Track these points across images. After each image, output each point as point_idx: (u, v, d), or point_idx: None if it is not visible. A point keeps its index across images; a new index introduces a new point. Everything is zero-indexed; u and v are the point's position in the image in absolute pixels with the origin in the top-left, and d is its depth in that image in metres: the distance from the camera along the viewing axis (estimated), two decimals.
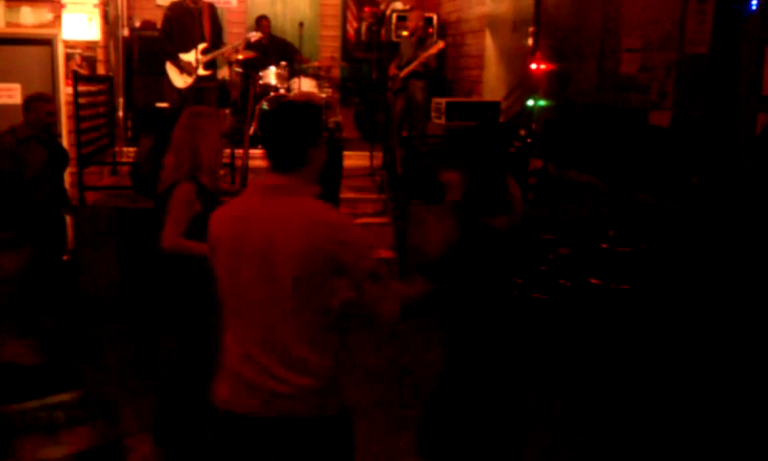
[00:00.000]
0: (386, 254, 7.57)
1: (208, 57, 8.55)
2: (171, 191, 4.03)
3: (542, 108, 7.58)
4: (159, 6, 9.75)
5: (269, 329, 2.57)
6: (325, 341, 2.62)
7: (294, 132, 2.62)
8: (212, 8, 8.88)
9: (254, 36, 9.67)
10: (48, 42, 8.43)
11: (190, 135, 4.07)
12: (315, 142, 2.63)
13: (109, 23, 8.83)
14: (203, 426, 4.22)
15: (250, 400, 2.58)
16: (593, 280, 5.53)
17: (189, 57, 8.50)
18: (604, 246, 5.67)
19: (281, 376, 2.55)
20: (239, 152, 7.93)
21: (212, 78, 8.92)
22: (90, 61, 8.51)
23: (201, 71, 8.57)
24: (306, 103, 3.08)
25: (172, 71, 8.61)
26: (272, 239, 2.53)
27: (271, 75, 9.49)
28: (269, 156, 2.66)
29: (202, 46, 8.54)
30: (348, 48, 11.57)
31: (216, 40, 8.77)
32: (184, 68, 8.47)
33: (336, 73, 10.94)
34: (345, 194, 7.69)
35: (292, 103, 3.06)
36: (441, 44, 9.37)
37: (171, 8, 8.88)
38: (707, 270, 5.01)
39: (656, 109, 5.81)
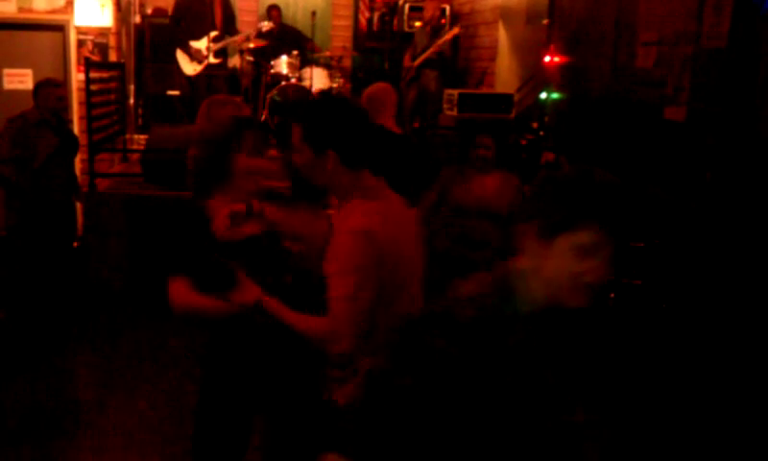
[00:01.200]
0: None
1: (219, 45, 8.53)
2: None
3: (555, 100, 7.52)
4: None
5: None
6: None
7: None
8: None
9: (266, 26, 9.65)
10: (60, 28, 8.42)
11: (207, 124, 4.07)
12: None
13: (121, 10, 8.82)
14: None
15: None
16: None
17: (200, 44, 8.47)
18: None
19: None
20: None
21: (222, 66, 8.90)
22: (102, 48, 8.49)
23: (211, 59, 8.54)
24: None
25: (182, 58, 8.59)
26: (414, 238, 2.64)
27: (282, 64, 9.45)
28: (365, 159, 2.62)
29: (213, 34, 8.51)
30: (360, 38, 11.52)
31: (229, 28, 8.75)
32: (194, 56, 8.44)
33: (347, 63, 10.89)
34: None
35: None
36: (455, 30, 9.33)
37: None
38: (721, 266, 4.97)
39: (671, 103, 5.75)
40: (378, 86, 5.77)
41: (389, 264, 2.49)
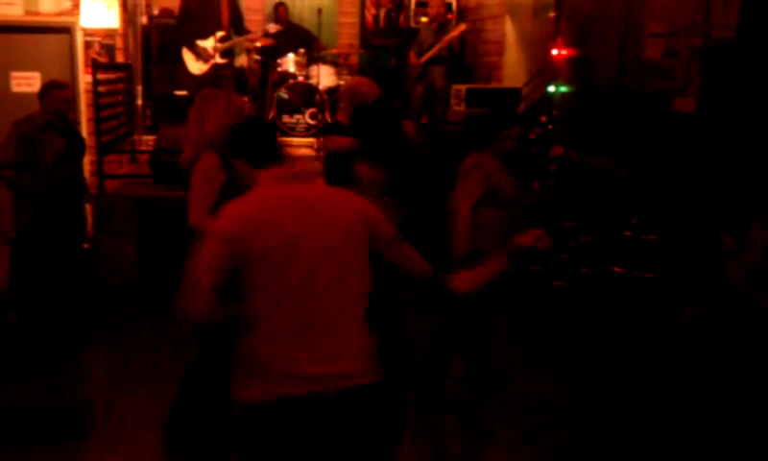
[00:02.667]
0: None
1: (226, 45, 8.52)
2: (191, 168, 4.12)
3: (564, 94, 7.50)
4: None
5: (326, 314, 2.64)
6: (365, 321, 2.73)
7: None
8: None
9: (272, 28, 9.63)
10: (67, 30, 8.43)
11: (197, 115, 4.21)
12: None
13: (128, 11, 8.81)
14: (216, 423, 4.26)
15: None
16: (616, 269, 5.48)
17: (206, 44, 8.47)
18: (627, 234, 5.61)
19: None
20: None
21: (229, 66, 8.90)
22: (109, 49, 8.50)
23: (217, 59, 8.54)
24: None
25: (188, 57, 8.59)
26: (328, 223, 2.67)
27: (289, 62, 9.45)
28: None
29: (219, 34, 8.50)
30: (367, 35, 11.49)
31: (237, 28, 8.74)
32: (200, 55, 8.44)
33: (354, 60, 10.87)
34: None
35: None
36: (462, 26, 9.29)
37: None
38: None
39: (680, 94, 5.72)
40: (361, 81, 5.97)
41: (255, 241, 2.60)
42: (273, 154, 2.88)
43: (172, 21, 9.51)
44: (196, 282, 2.63)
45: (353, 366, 2.61)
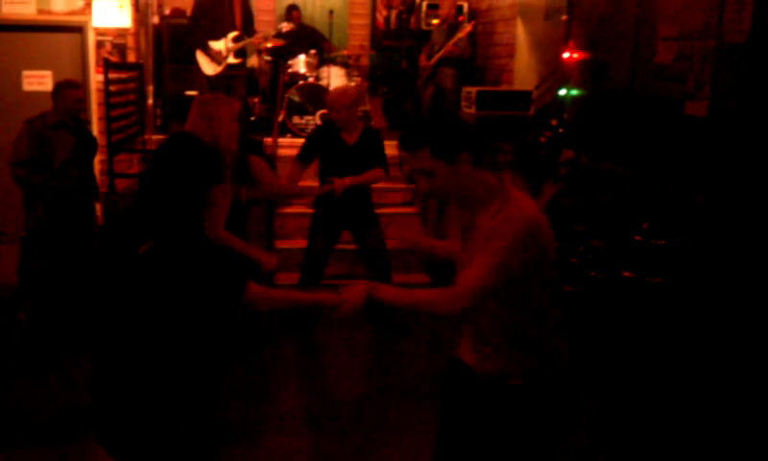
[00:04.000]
0: None
1: (239, 45, 8.54)
2: None
3: (575, 97, 7.47)
4: None
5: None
6: None
7: None
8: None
9: (285, 26, 9.62)
10: (79, 30, 8.45)
11: (205, 122, 4.14)
12: None
13: (140, 10, 8.83)
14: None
15: None
16: (626, 273, 5.45)
17: (219, 45, 8.49)
18: (637, 238, 5.58)
19: None
20: (268, 140, 7.92)
21: (241, 66, 8.91)
22: (121, 49, 8.52)
23: (230, 59, 8.55)
24: None
25: (202, 59, 8.61)
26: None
27: (300, 63, 9.46)
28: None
29: (232, 34, 8.52)
30: (378, 36, 11.50)
31: (247, 29, 8.76)
32: (214, 57, 8.45)
33: (365, 62, 10.88)
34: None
35: None
36: (468, 27, 9.29)
37: None
38: (744, 264, 4.91)
39: (692, 98, 5.69)
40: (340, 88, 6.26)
41: (547, 256, 2.72)
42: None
43: (183, 21, 9.53)
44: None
45: None
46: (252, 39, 8.84)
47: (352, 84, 9.60)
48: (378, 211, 6.40)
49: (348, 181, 5.66)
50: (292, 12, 10.18)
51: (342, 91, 6.01)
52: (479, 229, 2.68)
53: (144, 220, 2.62)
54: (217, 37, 8.49)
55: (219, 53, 8.45)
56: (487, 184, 2.69)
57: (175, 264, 2.54)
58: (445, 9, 9.47)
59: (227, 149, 4.10)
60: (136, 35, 8.76)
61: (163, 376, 2.62)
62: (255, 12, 9.82)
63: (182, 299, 2.57)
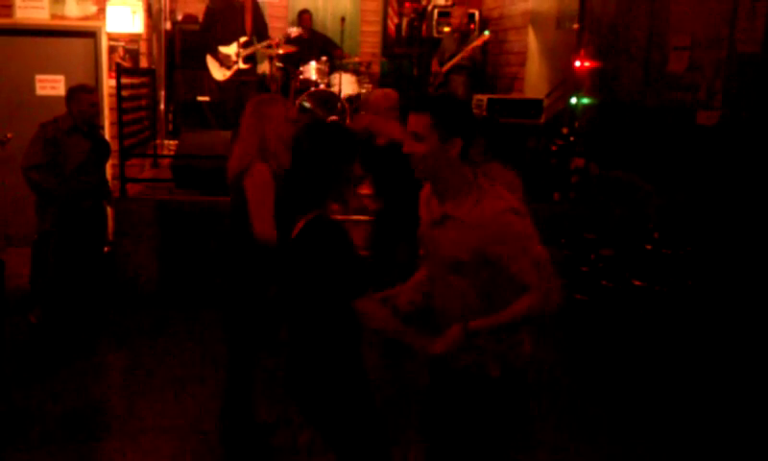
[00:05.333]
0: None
1: (249, 50, 8.57)
2: (243, 178, 3.96)
3: (586, 106, 7.47)
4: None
5: None
6: None
7: None
8: (255, 2, 8.90)
9: (295, 31, 9.65)
10: (92, 35, 8.50)
11: (255, 121, 4.05)
12: None
13: (152, 16, 8.88)
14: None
15: None
16: (637, 282, 5.44)
17: (229, 50, 8.53)
18: (648, 247, 5.57)
19: None
20: None
21: (252, 72, 8.94)
22: (133, 54, 8.56)
23: (240, 65, 8.59)
24: None
25: (212, 64, 8.64)
26: None
27: (311, 70, 9.48)
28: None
29: (242, 40, 8.56)
30: (389, 44, 11.52)
31: (261, 34, 8.80)
32: (223, 61, 8.49)
33: (376, 69, 10.90)
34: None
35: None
36: (486, 36, 9.31)
37: (213, 0, 8.92)
38: (756, 273, 4.90)
39: (704, 108, 5.69)
40: None
41: None
42: None
43: (195, 27, 9.57)
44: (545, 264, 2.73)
45: None
46: (261, 45, 8.87)
47: (363, 91, 9.63)
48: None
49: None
50: (303, 16, 10.19)
51: (384, 94, 5.94)
52: (457, 218, 2.75)
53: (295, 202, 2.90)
54: (228, 43, 8.53)
55: (228, 57, 8.49)
56: (465, 177, 2.77)
57: (319, 249, 2.80)
58: (457, 17, 9.50)
59: (273, 146, 4.03)
60: (149, 40, 8.80)
61: (320, 348, 2.91)
62: (268, 20, 9.84)
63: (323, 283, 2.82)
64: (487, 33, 9.41)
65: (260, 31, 8.87)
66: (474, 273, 2.75)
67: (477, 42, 9.14)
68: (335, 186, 2.85)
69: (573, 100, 7.59)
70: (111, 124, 8.14)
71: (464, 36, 9.35)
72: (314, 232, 2.80)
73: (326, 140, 2.85)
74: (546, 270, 2.68)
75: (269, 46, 9.10)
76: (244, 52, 8.53)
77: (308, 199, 2.84)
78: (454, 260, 2.77)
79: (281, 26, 10.71)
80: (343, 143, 2.87)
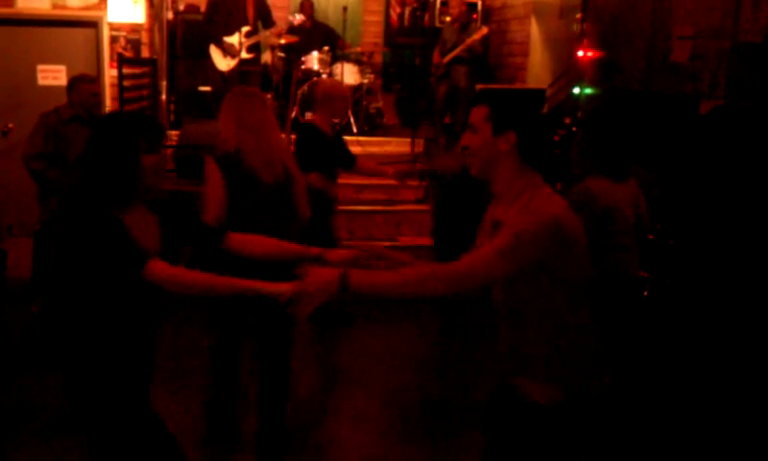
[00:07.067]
0: (425, 241, 7.52)
1: (252, 39, 8.55)
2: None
3: (589, 96, 7.44)
4: None
5: None
6: None
7: None
8: None
9: (298, 19, 9.59)
10: (93, 24, 8.49)
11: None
12: None
13: (154, 6, 8.86)
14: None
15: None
16: (640, 273, 5.42)
17: (232, 39, 8.50)
18: (650, 237, 5.55)
19: None
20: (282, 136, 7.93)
21: (255, 61, 8.92)
22: (135, 44, 8.55)
23: (244, 54, 8.57)
24: None
25: (215, 54, 8.62)
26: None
27: (313, 60, 9.46)
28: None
29: (245, 29, 8.54)
30: (391, 33, 11.50)
31: (266, 21, 8.79)
32: (227, 51, 8.47)
33: (378, 59, 10.88)
34: (385, 180, 7.62)
35: None
36: (485, 30, 9.29)
37: None
38: (759, 265, 4.88)
39: (707, 98, 5.67)
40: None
41: (578, 254, 2.50)
42: None
43: (197, 17, 9.55)
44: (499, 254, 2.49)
45: None
46: (264, 34, 8.85)
47: (365, 81, 9.62)
48: (391, 208, 6.36)
49: None
50: (304, 5, 10.14)
51: (339, 83, 5.93)
52: (507, 224, 2.47)
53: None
54: (231, 33, 8.51)
55: (232, 46, 8.48)
56: (522, 179, 2.55)
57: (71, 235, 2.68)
58: (456, 7, 9.49)
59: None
60: (150, 30, 8.79)
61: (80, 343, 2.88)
62: (271, 9, 9.80)
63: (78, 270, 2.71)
64: (485, 27, 9.38)
65: (265, 18, 8.85)
66: (528, 288, 2.49)
67: (476, 36, 9.12)
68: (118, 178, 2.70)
69: (576, 90, 7.56)
70: None
71: (464, 26, 9.33)
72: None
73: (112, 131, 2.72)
74: (484, 260, 2.41)
75: (278, 35, 9.08)
76: (247, 41, 8.51)
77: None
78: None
79: (283, 16, 10.68)
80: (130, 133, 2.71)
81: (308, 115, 8.64)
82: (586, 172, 4.27)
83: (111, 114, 2.76)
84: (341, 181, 6.00)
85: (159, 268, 2.68)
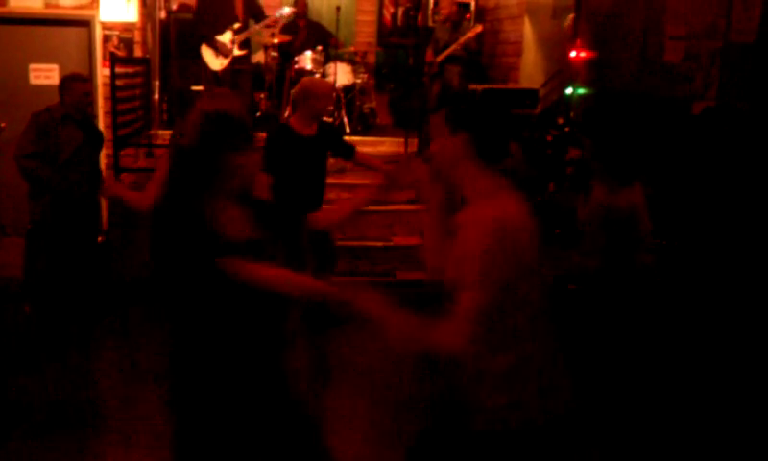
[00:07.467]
0: (418, 241, 7.52)
1: (243, 35, 8.56)
2: None
3: (581, 96, 7.46)
4: None
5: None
6: None
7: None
8: None
9: (285, 13, 9.47)
10: (86, 24, 8.45)
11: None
12: None
13: (147, 5, 8.84)
14: None
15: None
16: None
17: (224, 38, 8.51)
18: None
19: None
20: None
21: (247, 59, 8.92)
22: (127, 43, 8.52)
23: (236, 51, 8.57)
24: None
25: (207, 54, 8.62)
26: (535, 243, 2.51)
27: (306, 60, 9.45)
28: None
29: (236, 26, 8.55)
30: (384, 33, 11.50)
31: (258, 17, 8.80)
32: (220, 50, 8.46)
33: (372, 58, 10.87)
34: (378, 181, 7.63)
35: None
36: (479, 28, 9.30)
37: None
38: (752, 264, 4.90)
39: (700, 98, 5.68)
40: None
41: (516, 256, 2.42)
42: None
43: (190, 16, 9.53)
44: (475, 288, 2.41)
45: None
46: (255, 29, 8.84)
47: (359, 80, 9.61)
48: (384, 209, 6.35)
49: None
50: (298, 3, 10.11)
51: (321, 80, 5.86)
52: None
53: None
54: (221, 31, 8.52)
55: (224, 45, 8.48)
56: (479, 182, 2.51)
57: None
58: (446, 7, 9.50)
59: None
60: (143, 29, 8.76)
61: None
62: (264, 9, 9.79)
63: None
64: (479, 26, 9.39)
65: (256, 14, 8.86)
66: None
67: (470, 34, 9.13)
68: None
69: (569, 90, 7.58)
70: (105, 113, 8.11)
71: (455, 25, 9.34)
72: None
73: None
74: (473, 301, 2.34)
75: (270, 31, 9.07)
76: (239, 37, 8.51)
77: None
78: (450, 284, 2.45)
79: (273, 13, 10.67)
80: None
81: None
82: (594, 176, 4.30)
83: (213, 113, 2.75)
84: (333, 180, 5.98)
85: (234, 262, 2.68)
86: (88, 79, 6.22)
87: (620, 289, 4.41)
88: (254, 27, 8.82)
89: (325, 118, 8.82)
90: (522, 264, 2.43)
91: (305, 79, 5.93)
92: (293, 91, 5.78)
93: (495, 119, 2.55)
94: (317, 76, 9.24)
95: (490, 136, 2.54)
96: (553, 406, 2.51)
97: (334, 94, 8.56)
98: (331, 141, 5.77)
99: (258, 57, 9.98)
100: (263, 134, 5.44)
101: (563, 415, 2.53)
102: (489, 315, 2.35)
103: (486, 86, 8.38)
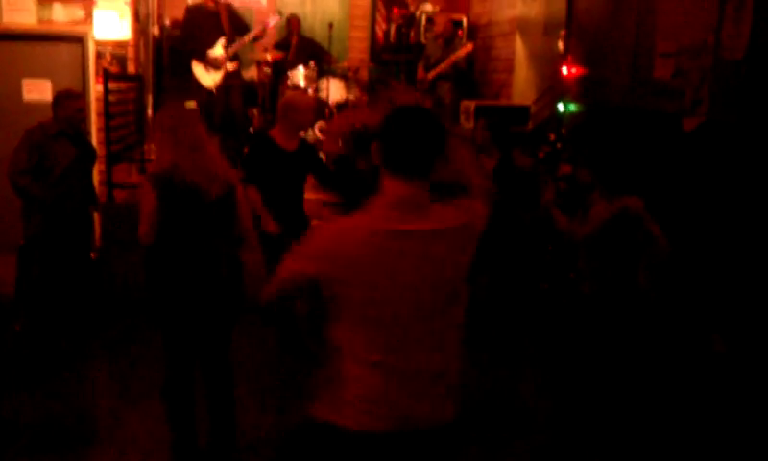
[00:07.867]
0: None
1: (234, 47, 8.63)
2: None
3: (573, 112, 7.50)
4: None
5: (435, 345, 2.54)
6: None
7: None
8: (230, 8, 8.94)
9: (273, 20, 9.43)
10: (79, 40, 8.47)
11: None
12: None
13: (140, 22, 8.86)
14: None
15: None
16: None
17: (215, 52, 8.59)
18: None
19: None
20: None
21: (238, 75, 8.97)
22: (120, 60, 8.54)
23: (228, 66, 8.63)
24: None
25: (199, 71, 8.66)
26: (437, 256, 2.48)
27: (299, 75, 9.48)
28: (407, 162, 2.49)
29: (223, 40, 8.63)
30: (377, 49, 11.53)
31: (243, 32, 8.87)
32: (211, 63, 8.50)
33: (364, 74, 10.91)
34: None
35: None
36: (469, 47, 9.35)
37: (189, 10, 8.98)
38: (739, 277, 4.92)
39: (690, 114, 5.72)
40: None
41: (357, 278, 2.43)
42: None
43: (179, 32, 9.58)
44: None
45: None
46: (246, 39, 8.90)
47: (351, 96, 9.64)
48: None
49: None
50: (291, 21, 10.15)
51: (303, 95, 5.88)
52: None
53: None
54: (212, 45, 8.59)
55: (216, 59, 8.53)
56: (383, 188, 2.52)
57: None
58: (440, 24, 9.56)
59: None
60: (136, 46, 8.78)
61: None
62: (255, 25, 9.82)
63: None
64: (469, 45, 9.44)
65: (241, 30, 8.93)
66: None
67: (460, 53, 9.18)
68: None
69: (560, 106, 7.62)
70: (98, 129, 8.12)
71: (447, 41, 9.39)
72: None
73: None
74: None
75: (254, 39, 9.10)
76: (231, 50, 8.59)
77: None
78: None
79: (269, 32, 10.70)
80: None
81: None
82: (589, 190, 4.34)
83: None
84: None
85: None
86: (81, 95, 6.24)
87: (616, 312, 4.44)
88: (244, 39, 8.86)
89: (318, 134, 8.90)
90: (377, 281, 2.43)
91: (288, 93, 5.97)
92: (279, 105, 5.84)
93: (407, 128, 2.48)
94: (309, 92, 9.27)
95: (394, 146, 2.49)
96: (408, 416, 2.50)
97: (319, 109, 8.63)
98: (311, 161, 5.77)
99: (251, 72, 10.00)
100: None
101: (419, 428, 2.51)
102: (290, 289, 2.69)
103: (478, 102, 8.42)
